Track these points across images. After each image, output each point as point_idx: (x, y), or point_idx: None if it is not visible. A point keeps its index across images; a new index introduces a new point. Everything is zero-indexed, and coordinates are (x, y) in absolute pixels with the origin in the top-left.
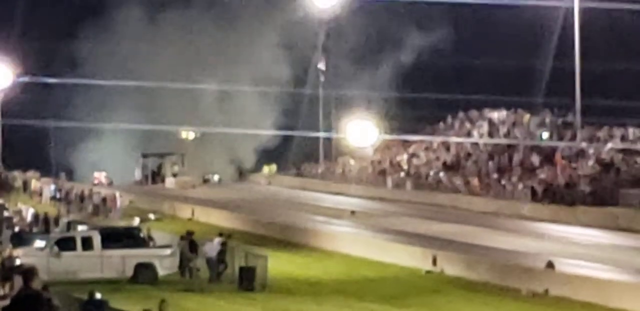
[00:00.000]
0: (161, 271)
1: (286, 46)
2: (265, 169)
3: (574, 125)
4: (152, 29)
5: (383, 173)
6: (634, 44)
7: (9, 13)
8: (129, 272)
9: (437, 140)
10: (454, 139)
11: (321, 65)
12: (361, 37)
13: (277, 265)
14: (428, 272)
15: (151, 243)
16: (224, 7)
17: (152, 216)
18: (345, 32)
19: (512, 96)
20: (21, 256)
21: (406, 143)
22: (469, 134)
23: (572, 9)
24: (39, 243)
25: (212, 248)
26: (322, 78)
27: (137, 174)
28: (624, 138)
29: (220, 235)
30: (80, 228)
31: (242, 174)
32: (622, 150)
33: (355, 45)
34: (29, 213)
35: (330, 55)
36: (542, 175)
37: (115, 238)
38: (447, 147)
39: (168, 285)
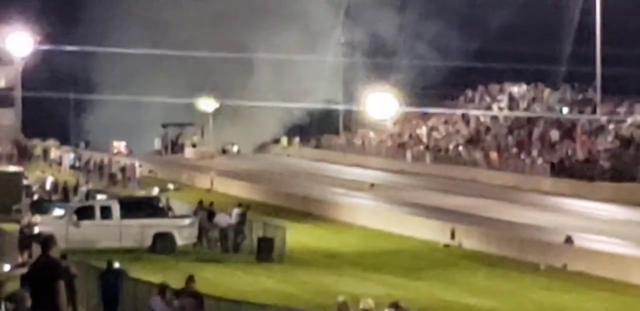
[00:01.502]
0: (180, 241)
1: (308, 19)
2: (284, 141)
3: (593, 101)
4: None
5: (402, 146)
6: None
7: None
8: (148, 242)
9: (457, 113)
10: (474, 112)
11: (341, 38)
12: (381, 12)
13: (296, 236)
14: (446, 246)
15: (170, 213)
16: None
17: (171, 186)
18: (365, 4)
19: (533, 70)
20: (40, 225)
21: (426, 117)
22: (489, 108)
23: None
24: (58, 211)
25: (225, 219)
26: (341, 51)
27: (157, 144)
28: None
29: (240, 205)
30: (99, 197)
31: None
32: None
33: (375, 19)
34: (48, 182)
35: (350, 28)
36: (562, 150)
37: (134, 207)
38: (467, 120)
39: (186, 255)
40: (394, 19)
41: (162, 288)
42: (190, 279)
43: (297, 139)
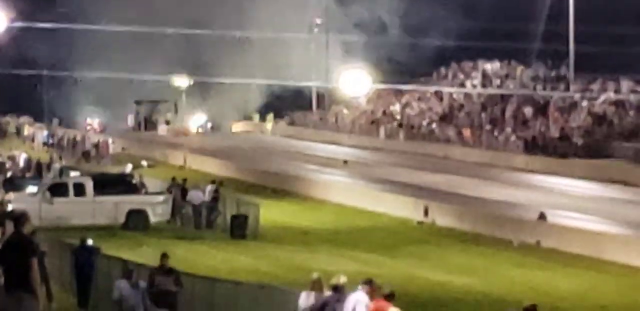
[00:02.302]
0: (153, 218)
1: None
2: (257, 118)
3: (567, 78)
4: None
5: (376, 123)
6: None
7: None
8: (121, 219)
9: (430, 90)
10: (447, 90)
11: (316, 17)
12: None
13: (269, 213)
14: (420, 223)
15: (143, 190)
16: None
17: (144, 163)
18: None
19: (506, 48)
20: (13, 202)
21: (399, 94)
22: (462, 85)
23: None
24: (31, 188)
25: (199, 196)
26: (315, 29)
27: (130, 121)
28: (617, 91)
29: (213, 182)
30: (73, 174)
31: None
32: (615, 103)
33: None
34: (21, 159)
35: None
36: (535, 127)
37: (108, 184)
38: (440, 97)
39: (160, 232)
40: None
41: (128, 271)
42: (164, 256)
43: (270, 116)
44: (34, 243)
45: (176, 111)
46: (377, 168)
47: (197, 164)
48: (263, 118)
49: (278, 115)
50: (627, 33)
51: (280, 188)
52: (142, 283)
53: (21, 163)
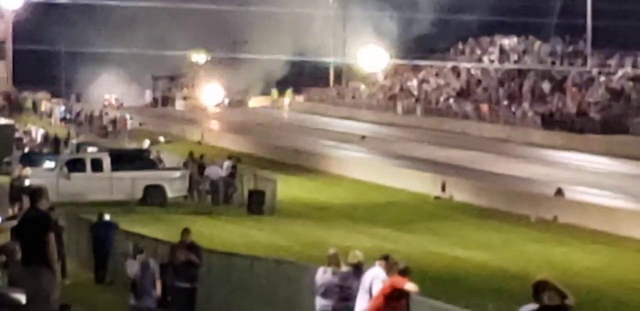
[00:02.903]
0: (170, 194)
1: None
2: (275, 93)
3: (584, 53)
4: None
5: (393, 98)
6: None
7: None
8: (138, 194)
9: (447, 66)
10: (464, 65)
11: None
12: None
13: (286, 189)
14: (437, 198)
15: (161, 166)
16: None
17: (161, 138)
18: None
19: (523, 23)
20: (30, 177)
21: (417, 69)
22: (479, 60)
23: None
24: (49, 164)
25: (216, 172)
26: (332, 3)
27: (147, 96)
28: (634, 66)
29: (230, 158)
30: (90, 149)
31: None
32: (633, 78)
33: None
34: (38, 134)
35: None
36: (552, 102)
37: (125, 160)
38: (457, 73)
39: (177, 207)
40: None
41: (139, 250)
42: (185, 231)
43: (289, 92)
44: (51, 219)
45: (193, 87)
46: (395, 144)
47: (215, 140)
48: (281, 93)
49: (296, 91)
50: None
51: (297, 164)
52: (153, 263)
53: (38, 139)
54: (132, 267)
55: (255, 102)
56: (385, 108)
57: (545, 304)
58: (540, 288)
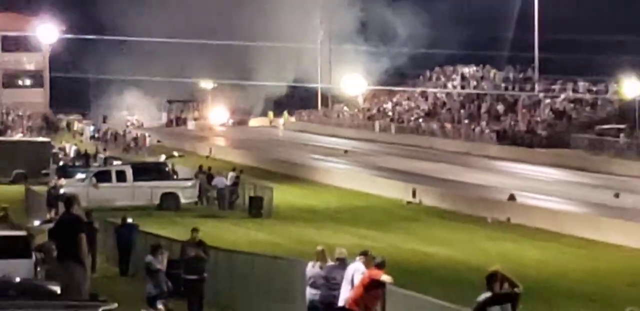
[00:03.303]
0: (183, 200)
1: (292, 14)
2: (271, 114)
3: (532, 79)
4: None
5: (371, 118)
6: (584, 12)
7: None
8: (156, 200)
9: (417, 91)
10: (431, 90)
11: (321, 30)
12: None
13: (282, 195)
14: (409, 203)
15: (175, 176)
16: None
17: (175, 153)
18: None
19: (482, 54)
20: (65, 186)
21: (391, 94)
22: (444, 86)
23: None
24: (80, 175)
25: (222, 181)
26: (320, 39)
27: (164, 118)
28: (574, 91)
29: (234, 169)
30: (115, 163)
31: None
32: (573, 101)
33: (348, 13)
34: (72, 150)
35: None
36: (506, 121)
37: (145, 171)
38: (425, 97)
39: (189, 212)
40: (364, 12)
41: (155, 248)
42: (195, 230)
43: (285, 113)
44: (82, 221)
45: (202, 109)
46: (373, 157)
47: (221, 154)
48: (277, 114)
49: (289, 113)
50: (583, 41)
51: (291, 174)
52: (161, 257)
53: (71, 154)
54: (150, 259)
55: (255, 122)
56: (364, 127)
57: (496, 292)
58: (491, 279)
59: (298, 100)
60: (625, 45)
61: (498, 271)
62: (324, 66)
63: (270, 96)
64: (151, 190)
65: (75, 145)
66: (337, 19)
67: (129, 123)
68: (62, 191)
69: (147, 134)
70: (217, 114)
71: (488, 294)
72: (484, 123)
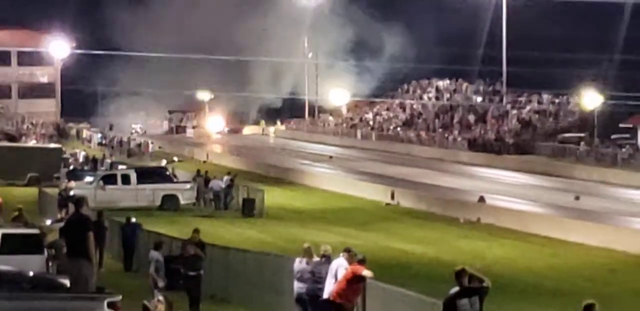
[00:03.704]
0: (182, 201)
1: (281, 29)
2: (263, 123)
3: (501, 92)
4: (178, 14)
5: (354, 127)
6: (547, 31)
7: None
8: (158, 202)
9: (396, 102)
10: (408, 101)
11: (307, 49)
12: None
13: (272, 197)
14: (387, 204)
15: (175, 179)
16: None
17: (175, 158)
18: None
19: (454, 69)
20: (74, 189)
21: (372, 104)
22: (420, 98)
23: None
24: (89, 178)
25: (218, 184)
26: (309, 55)
27: (165, 126)
28: (539, 103)
29: (229, 173)
30: (121, 167)
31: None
32: (538, 112)
33: (334, 30)
34: (81, 155)
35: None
36: (477, 130)
37: (148, 175)
38: (403, 107)
39: (187, 212)
40: (349, 31)
41: (158, 244)
42: (196, 231)
43: (277, 122)
44: (91, 221)
45: (200, 118)
46: (355, 162)
47: (217, 159)
48: (268, 123)
49: (280, 122)
50: (547, 57)
51: (281, 178)
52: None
53: (80, 159)
54: (153, 256)
55: (248, 130)
56: (348, 135)
57: (465, 286)
58: (459, 275)
59: (288, 110)
60: (585, 61)
61: (465, 268)
62: (312, 80)
63: (262, 106)
64: (153, 192)
65: (84, 151)
66: (325, 38)
67: (133, 131)
68: (72, 193)
69: (149, 141)
70: (213, 123)
71: (457, 288)
72: (456, 132)
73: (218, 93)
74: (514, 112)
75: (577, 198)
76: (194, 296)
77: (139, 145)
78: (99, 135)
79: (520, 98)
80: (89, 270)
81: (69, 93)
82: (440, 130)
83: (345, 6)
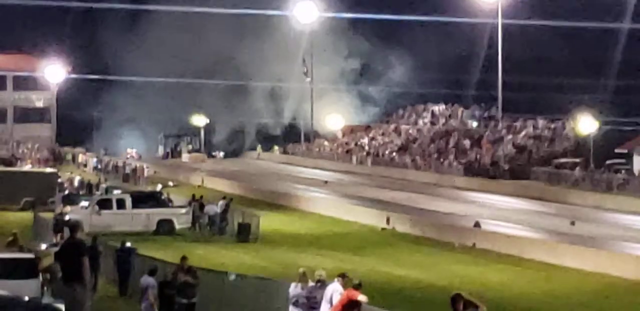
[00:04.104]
0: (178, 226)
1: (278, 55)
2: (259, 148)
3: (496, 117)
4: (172, 40)
5: (349, 152)
6: (542, 56)
7: (63, 25)
8: (153, 226)
9: (391, 127)
10: (404, 126)
11: (304, 74)
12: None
13: (267, 222)
14: (383, 229)
15: (170, 204)
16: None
17: (171, 183)
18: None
19: (450, 93)
20: (70, 213)
21: (367, 129)
22: (415, 123)
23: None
24: (84, 203)
25: (213, 209)
26: (307, 79)
27: (160, 150)
28: (534, 128)
29: (224, 198)
30: (116, 192)
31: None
32: (533, 137)
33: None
34: (76, 180)
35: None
36: (472, 155)
37: (143, 199)
38: (398, 132)
39: (183, 237)
40: (346, 59)
41: (153, 270)
42: (184, 258)
43: (275, 147)
44: (86, 245)
45: (195, 143)
46: (350, 187)
47: (212, 184)
48: (265, 148)
49: (275, 146)
50: (543, 82)
51: (276, 203)
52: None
53: (76, 184)
54: (147, 282)
55: (244, 154)
56: (343, 160)
57: None
58: (455, 300)
59: (284, 135)
60: (580, 86)
61: (461, 294)
62: (308, 105)
63: (260, 131)
64: (148, 217)
65: (80, 175)
66: (321, 63)
67: (128, 156)
68: (67, 217)
69: (145, 166)
70: (209, 147)
71: None
72: (452, 156)
73: (212, 119)
74: (510, 137)
75: (572, 223)
76: None
77: (135, 169)
78: (95, 159)
79: (515, 124)
80: (83, 295)
81: (64, 118)
82: (435, 155)
83: (342, 32)
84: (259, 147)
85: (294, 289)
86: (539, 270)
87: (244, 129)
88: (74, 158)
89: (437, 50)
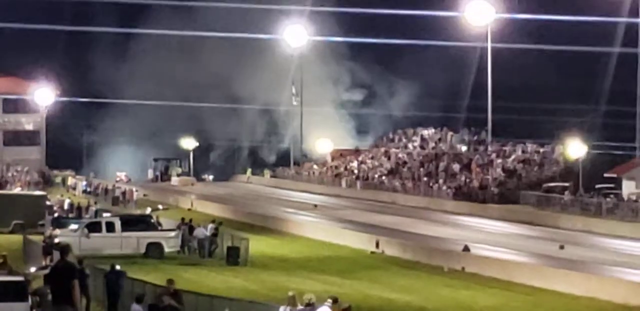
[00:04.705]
0: (167, 249)
1: (267, 77)
2: (249, 172)
3: (486, 141)
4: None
5: (339, 176)
6: (532, 81)
7: (53, 48)
8: (142, 249)
9: (380, 150)
10: (393, 150)
11: (293, 96)
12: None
13: (257, 245)
14: (372, 253)
15: (159, 227)
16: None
17: (160, 206)
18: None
19: (439, 117)
20: (59, 236)
21: (357, 153)
22: (405, 147)
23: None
24: (73, 226)
25: (202, 232)
26: (294, 103)
27: (150, 174)
28: (524, 152)
29: (213, 221)
30: (105, 215)
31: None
32: (523, 161)
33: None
34: (65, 203)
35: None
36: (461, 179)
37: (132, 223)
38: (388, 156)
39: (172, 260)
40: (335, 83)
41: (140, 297)
42: (170, 281)
43: (265, 170)
44: (77, 268)
45: (185, 166)
46: (340, 211)
47: (202, 207)
48: (254, 172)
49: (265, 169)
50: (532, 107)
51: (265, 226)
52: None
53: (65, 207)
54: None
55: (234, 178)
56: (332, 183)
57: None
58: None
59: (272, 158)
60: (569, 111)
61: None
62: (296, 129)
63: (249, 155)
64: (138, 240)
65: (69, 198)
66: (311, 88)
67: (118, 179)
68: (56, 240)
69: (134, 189)
70: (198, 171)
71: None
72: (441, 180)
73: (201, 143)
74: (499, 161)
75: (561, 247)
76: None
77: (124, 193)
78: (84, 182)
79: (505, 148)
80: None
81: (54, 141)
82: (425, 179)
83: (331, 57)
84: (248, 171)
85: None
86: (528, 293)
87: (234, 152)
88: (63, 181)
89: (427, 74)
